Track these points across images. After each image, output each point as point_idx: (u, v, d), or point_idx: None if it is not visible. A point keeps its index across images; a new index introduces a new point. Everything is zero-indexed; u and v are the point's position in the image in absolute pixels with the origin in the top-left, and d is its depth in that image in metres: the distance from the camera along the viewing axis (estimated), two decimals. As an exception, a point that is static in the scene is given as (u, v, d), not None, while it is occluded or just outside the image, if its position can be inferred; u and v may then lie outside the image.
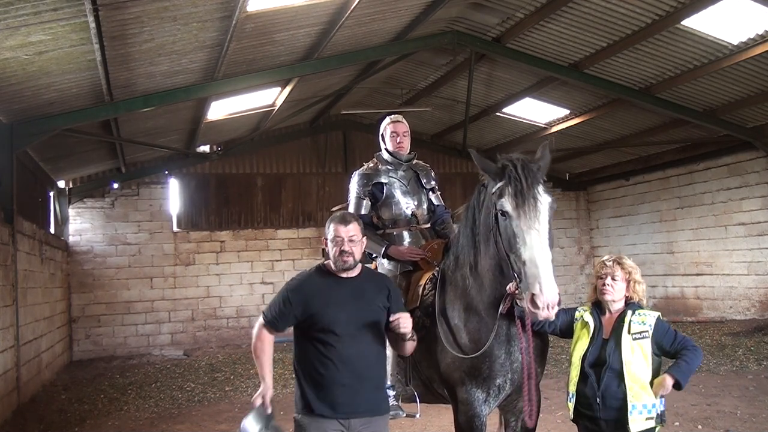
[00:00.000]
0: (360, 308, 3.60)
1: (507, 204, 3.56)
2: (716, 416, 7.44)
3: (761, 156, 14.03)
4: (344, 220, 3.66)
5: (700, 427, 7.09)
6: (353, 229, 3.63)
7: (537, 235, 3.47)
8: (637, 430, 3.72)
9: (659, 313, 3.94)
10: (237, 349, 15.57)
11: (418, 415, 4.60)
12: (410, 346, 3.71)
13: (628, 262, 3.97)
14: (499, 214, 3.62)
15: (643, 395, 3.73)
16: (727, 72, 11.48)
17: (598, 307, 4.00)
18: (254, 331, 3.73)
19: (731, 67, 11.19)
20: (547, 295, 3.33)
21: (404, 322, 3.53)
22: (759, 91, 12.09)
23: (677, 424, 7.19)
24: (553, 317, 3.46)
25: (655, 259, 16.76)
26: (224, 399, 9.99)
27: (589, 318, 3.96)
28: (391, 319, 3.57)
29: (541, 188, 3.62)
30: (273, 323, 3.67)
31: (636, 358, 3.76)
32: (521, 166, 3.62)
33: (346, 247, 3.60)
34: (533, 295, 3.35)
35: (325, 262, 3.74)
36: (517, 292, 3.72)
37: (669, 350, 3.81)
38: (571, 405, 3.93)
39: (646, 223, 17.33)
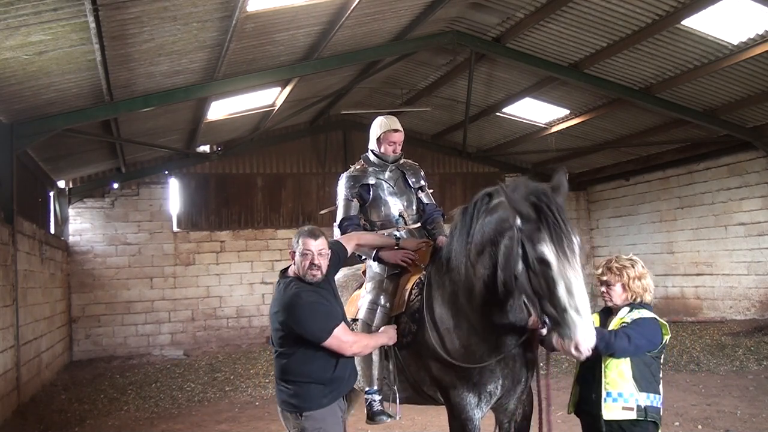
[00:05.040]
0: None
1: (548, 252, 3.38)
2: (716, 416, 7.44)
3: (761, 156, 14.02)
4: (313, 235, 3.87)
5: (700, 427, 7.09)
6: (322, 244, 3.86)
7: (580, 282, 3.37)
8: (612, 418, 3.72)
9: (652, 314, 3.88)
10: (237, 349, 15.58)
11: (398, 417, 4.52)
12: None
13: (617, 264, 3.93)
14: (535, 261, 3.42)
15: (619, 383, 3.74)
16: (727, 72, 11.47)
17: (608, 310, 4.05)
18: (353, 338, 3.98)
19: (731, 67, 11.18)
20: (590, 341, 3.33)
21: None
22: (759, 91, 12.08)
23: (677, 424, 7.19)
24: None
25: (655, 259, 16.74)
26: (224, 399, 9.99)
27: (595, 320, 3.99)
28: None
29: (575, 230, 3.51)
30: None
31: None
32: (556, 208, 3.46)
33: (316, 261, 3.82)
34: (578, 342, 3.30)
35: (292, 273, 4.01)
36: (542, 330, 3.70)
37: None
38: (573, 400, 4.04)
39: (646, 223, 17.32)
